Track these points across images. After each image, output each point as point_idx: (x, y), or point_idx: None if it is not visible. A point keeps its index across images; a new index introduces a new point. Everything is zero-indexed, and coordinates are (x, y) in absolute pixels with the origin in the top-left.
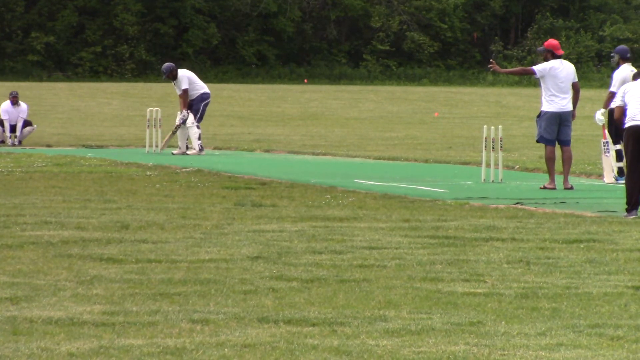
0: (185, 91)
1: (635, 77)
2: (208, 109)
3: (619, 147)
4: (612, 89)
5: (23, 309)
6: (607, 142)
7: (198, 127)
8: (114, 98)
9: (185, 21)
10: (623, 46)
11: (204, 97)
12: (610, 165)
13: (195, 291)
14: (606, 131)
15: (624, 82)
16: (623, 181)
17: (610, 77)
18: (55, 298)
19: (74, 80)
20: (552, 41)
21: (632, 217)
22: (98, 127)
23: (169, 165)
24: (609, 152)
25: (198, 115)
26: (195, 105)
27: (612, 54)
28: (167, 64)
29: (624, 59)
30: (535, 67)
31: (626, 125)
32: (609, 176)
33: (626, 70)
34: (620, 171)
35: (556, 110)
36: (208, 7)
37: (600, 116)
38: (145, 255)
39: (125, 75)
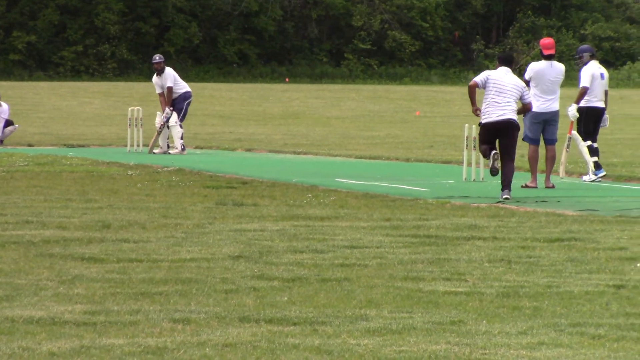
0: (170, 89)
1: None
2: (189, 108)
3: (589, 142)
4: (584, 84)
5: (4, 308)
6: (570, 138)
7: (181, 126)
8: (96, 97)
9: (166, 20)
10: (587, 45)
11: (187, 96)
12: (566, 160)
13: (176, 290)
14: (573, 127)
15: (593, 77)
16: (602, 173)
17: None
18: (37, 297)
19: (55, 80)
20: (544, 40)
21: (505, 196)
22: (79, 127)
23: (151, 165)
24: (569, 148)
25: (181, 115)
26: (178, 104)
27: (579, 54)
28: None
29: (592, 56)
30: (525, 75)
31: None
32: (563, 171)
33: (594, 66)
34: (597, 165)
35: (540, 110)
36: (189, 6)
37: (574, 112)
38: (127, 255)
39: (106, 75)
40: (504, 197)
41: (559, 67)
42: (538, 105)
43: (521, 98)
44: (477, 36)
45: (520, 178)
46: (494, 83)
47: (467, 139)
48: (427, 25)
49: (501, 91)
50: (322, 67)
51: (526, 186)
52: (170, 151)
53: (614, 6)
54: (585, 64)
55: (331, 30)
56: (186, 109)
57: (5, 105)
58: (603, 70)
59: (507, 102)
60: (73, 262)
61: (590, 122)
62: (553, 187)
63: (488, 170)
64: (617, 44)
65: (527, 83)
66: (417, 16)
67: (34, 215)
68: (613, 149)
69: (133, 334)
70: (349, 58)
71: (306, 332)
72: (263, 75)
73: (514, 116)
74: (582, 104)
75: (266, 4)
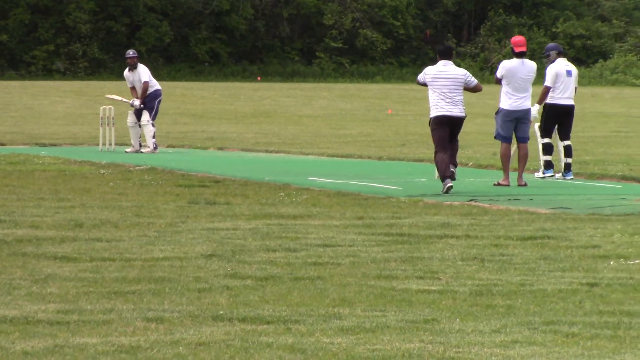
0: (146, 84)
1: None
2: (160, 106)
3: (546, 140)
4: (547, 83)
5: None
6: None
7: (153, 125)
8: (67, 96)
9: (137, 19)
10: (555, 43)
11: (157, 94)
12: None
13: (149, 289)
14: (536, 125)
15: (558, 75)
16: (550, 174)
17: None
18: (10, 297)
19: (27, 79)
20: (515, 38)
21: (447, 185)
22: (51, 126)
23: (123, 164)
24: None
25: (153, 113)
26: (149, 102)
27: (547, 52)
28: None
29: (559, 54)
30: (497, 73)
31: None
32: (539, 170)
33: (560, 64)
34: (547, 164)
35: (511, 108)
36: (160, 5)
37: (535, 113)
38: (100, 254)
39: (78, 74)
40: (451, 169)
41: (530, 65)
42: (510, 103)
43: (466, 85)
44: (449, 34)
45: (492, 176)
46: (433, 77)
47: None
48: (399, 23)
49: (444, 84)
50: (293, 66)
51: (498, 184)
52: (143, 150)
53: (585, 4)
54: (553, 61)
55: (302, 29)
56: (157, 108)
57: None
58: (571, 67)
59: (453, 93)
60: (46, 261)
61: (551, 119)
62: (525, 185)
63: (461, 169)
64: (588, 41)
65: (499, 81)
66: (389, 14)
67: (7, 214)
68: (585, 147)
69: (106, 333)
70: (320, 57)
71: (279, 331)
72: (234, 74)
73: (462, 110)
74: (548, 101)
75: (237, 3)
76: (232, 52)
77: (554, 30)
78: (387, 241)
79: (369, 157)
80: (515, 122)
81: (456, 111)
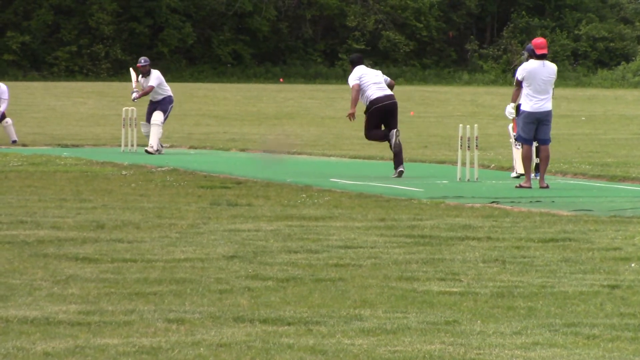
0: (151, 88)
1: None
2: (177, 109)
3: None
4: (518, 78)
5: None
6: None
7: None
8: (90, 97)
9: (160, 20)
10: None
11: (171, 99)
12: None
13: (170, 290)
14: (510, 125)
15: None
16: (532, 175)
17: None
18: (31, 297)
19: (49, 80)
20: (536, 40)
21: (398, 171)
22: (73, 127)
23: (145, 165)
24: (519, 145)
25: (165, 116)
26: (163, 105)
27: (522, 52)
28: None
29: (532, 56)
30: (517, 75)
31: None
32: (520, 167)
33: (532, 65)
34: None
35: (532, 110)
36: (183, 7)
37: (510, 109)
38: (121, 255)
39: (100, 75)
40: (399, 170)
41: (551, 67)
42: (531, 105)
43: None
44: (471, 36)
45: (515, 179)
46: (362, 74)
47: (461, 139)
48: (421, 25)
49: (372, 79)
50: (316, 67)
51: (520, 186)
52: (148, 149)
53: (608, 6)
54: (526, 61)
55: (325, 31)
56: (169, 112)
57: (3, 86)
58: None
59: (383, 83)
60: (67, 262)
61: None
62: (547, 187)
63: (483, 171)
64: (611, 44)
65: (520, 83)
66: (411, 16)
67: (28, 215)
68: (607, 149)
69: (127, 334)
70: (343, 58)
71: (300, 332)
72: (257, 75)
73: (392, 95)
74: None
75: (260, 5)
76: (255, 54)
77: (576, 32)
78: (408, 243)
79: (391, 159)
80: (536, 124)
81: (391, 98)
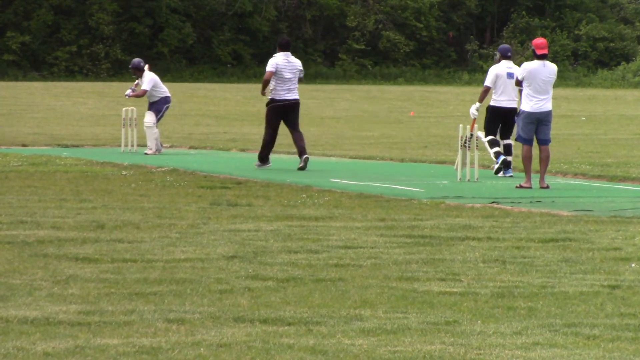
0: (144, 92)
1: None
2: (177, 109)
3: (490, 137)
4: (487, 83)
5: None
6: (471, 135)
7: (156, 127)
8: (90, 97)
9: (160, 21)
10: (505, 45)
11: (167, 100)
12: (462, 156)
13: (171, 291)
14: (475, 125)
15: (497, 77)
16: (510, 174)
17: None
18: (31, 298)
19: (49, 80)
20: (537, 40)
21: (265, 166)
22: (73, 127)
23: (145, 165)
24: (468, 145)
25: (158, 116)
26: (157, 105)
27: (495, 53)
28: (137, 59)
29: (504, 57)
30: (518, 75)
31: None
32: (458, 165)
33: (502, 66)
34: (497, 154)
35: (532, 110)
36: (183, 7)
37: (474, 111)
38: (121, 255)
39: (100, 75)
40: (304, 158)
41: (551, 67)
42: (531, 105)
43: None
44: (471, 36)
45: (515, 179)
46: (276, 67)
47: (461, 139)
48: (421, 25)
49: (282, 75)
50: (316, 67)
51: (520, 186)
52: (146, 151)
53: (609, 6)
54: (497, 63)
55: (325, 31)
56: (164, 113)
57: None
58: (514, 70)
59: (292, 81)
60: (67, 262)
61: (493, 121)
62: (547, 187)
63: (483, 171)
64: (611, 44)
65: (520, 83)
66: (411, 16)
67: (28, 215)
68: (607, 149)
69: (127, 334)
70: (343, 58)
71: (301, 332)
72: (257, 75)
73: (297, 95)
74: (490, 103)
75: (260, 5)
76: (255, 54)
77: (576, 32)
78: (408, 243)
79: (391, 159)
80: (536, 124)
81: (294, 95)
